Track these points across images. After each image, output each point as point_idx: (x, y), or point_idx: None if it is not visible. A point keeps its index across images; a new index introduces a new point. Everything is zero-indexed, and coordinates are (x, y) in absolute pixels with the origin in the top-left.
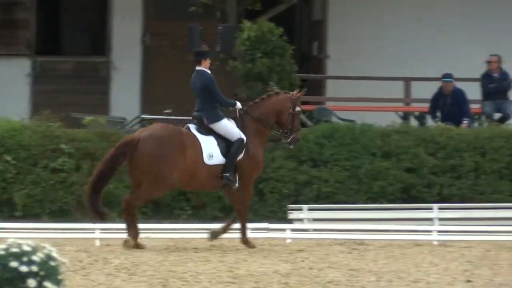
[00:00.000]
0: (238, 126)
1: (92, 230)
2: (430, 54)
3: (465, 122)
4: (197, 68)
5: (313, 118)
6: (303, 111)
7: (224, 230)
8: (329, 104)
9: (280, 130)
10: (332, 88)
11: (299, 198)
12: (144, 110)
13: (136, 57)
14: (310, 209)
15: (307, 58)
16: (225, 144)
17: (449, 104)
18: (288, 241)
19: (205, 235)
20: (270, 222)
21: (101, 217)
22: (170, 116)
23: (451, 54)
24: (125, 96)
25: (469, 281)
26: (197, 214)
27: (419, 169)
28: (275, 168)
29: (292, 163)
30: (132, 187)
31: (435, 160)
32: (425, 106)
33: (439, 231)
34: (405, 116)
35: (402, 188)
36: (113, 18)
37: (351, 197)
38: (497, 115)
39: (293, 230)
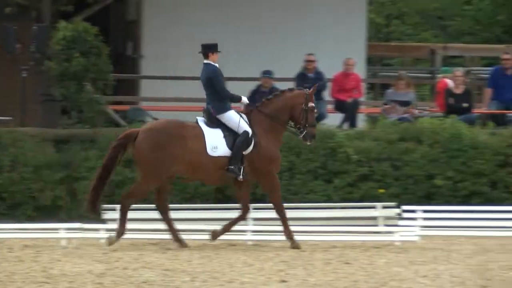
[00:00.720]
0: (248, 121)
1: None
2: (247, 53)
3: None
4: (204, 61)
5: (127, 118)
6: (116, 111)
7: (226, 229)
8: (143, 104)
9: (294, 126)
10: (146, 88)
11: (113, 198)
12: None
13: None
14: None
15: (121, 58)
16: (232, 137)
17: None
18: (102, 241)
19: (20, 235)
20: (84, 222)
21: (93, 212)
22: None
23: (269, 53)
24: None
25: (283, 281)
26: (12, 214)
27: None
28: (89, 168)
29: None
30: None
31: None
32: (239, 106)
33: (253, 231)
34: None
35: (216, 188)
36: None
37: None
38: None
39: (107, 230)
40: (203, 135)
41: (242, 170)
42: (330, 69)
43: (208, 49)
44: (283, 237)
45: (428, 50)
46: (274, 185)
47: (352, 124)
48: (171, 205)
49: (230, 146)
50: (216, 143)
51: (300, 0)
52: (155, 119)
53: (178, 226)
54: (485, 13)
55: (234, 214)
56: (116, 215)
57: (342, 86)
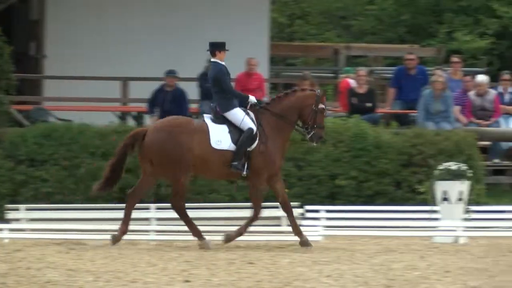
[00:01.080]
0: (254, 120)
1: None
2: (149, 54)
3: None
4: (212, 59)
5: (30, 118)
6: (20, 111)
7: (239, 232)
8: (47, 104)
9: (303, 127)
10: (50, 88)
11: (16, 198)
12: None
13: None
14: (28, 209)
15: (24, 57)
16: (238, 133)
17: (169, 101)
18: (6, 241)
19: None
20: None
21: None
22: None
23: (171, 54)
24: None
25: (187, 281)
26: None
27: (137, 169)
28: None
29: (10, 163)
30: (142, 175)
31: None
32: (143, 106)
33: (156, 231)
34: (123, 116)
35: (119, 188)
36: None
37: (69, 197)
38: None
39: (11, 230)
40: (208, 129)
41: (246, 166)
42: (233, 69)
43: (215, 47)
44: (186, 237)
45: (331, 50)
46: (259, 182)
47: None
48: (74, 205)
49: (235, 141)
50: (220, 137)
51: (203, 0)
52: (59, 119)
53: (82, 226)
54: (389, 13)
55: (138, 214)
56: (19, 215)
57: (245, 86)
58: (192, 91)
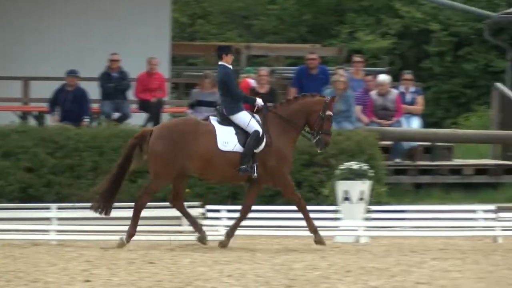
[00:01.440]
0: (261, 122)
1: None
2: (50, 54)
3: (85, 120)
4: (219, 63)
5: None
6: None
7: (314, 230)
8: None
9: (309, 132)
10: None
11: None
12: None
13: None
14: None
15: None
16: (244, 135)
17: (70, 100)
18: None
19: None
20: None
21: (106, 212)
22: None
23: (72, 53)
24: None
25: (87, 280)
26: None
27: (38, 169)
28: None
29: None
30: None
31: (54, 160)
32: (44, 105)
33: (57, 231)
34: (24, 116)
35: (21, 188)
36: None
37: None
38: (116, 115)
39: None
40: (215, 131)
41: (255, 167)
42: (135, 68)
43: (222, 51)
44: (87, 237)
45: (232, 50)
46: (286, 184)
47: (156, 123)
48: None
49: (242, 143)
50: (227, 139)
51: (104, 0)
52: None
53: None
54: (290, 13)
55: (39, 213)
56: None
57: (146, 85)
58: (93, 90)
